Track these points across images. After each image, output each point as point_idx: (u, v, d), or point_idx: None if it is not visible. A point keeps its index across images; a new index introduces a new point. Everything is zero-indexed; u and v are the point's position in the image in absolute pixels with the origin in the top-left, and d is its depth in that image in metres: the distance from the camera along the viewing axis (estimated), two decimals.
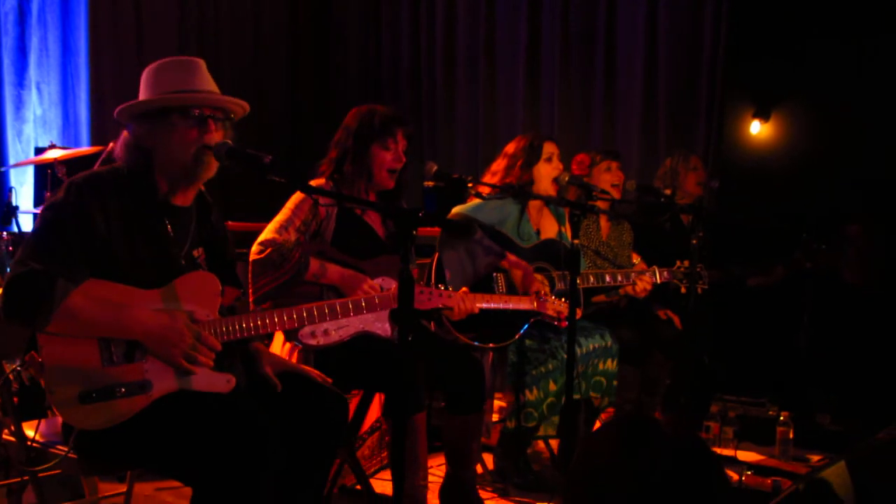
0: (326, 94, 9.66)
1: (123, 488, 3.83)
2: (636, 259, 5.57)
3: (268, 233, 4.01)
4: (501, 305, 4.35)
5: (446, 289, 3.90)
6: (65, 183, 3.02)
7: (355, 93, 9.36)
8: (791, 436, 5.57)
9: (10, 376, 3.14)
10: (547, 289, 4.70)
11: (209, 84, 3.17)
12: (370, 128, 4.14)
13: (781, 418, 5.62)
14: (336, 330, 3.93)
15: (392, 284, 4.09)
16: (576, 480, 1.64)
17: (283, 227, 4.01)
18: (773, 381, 6.64)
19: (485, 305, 4.21)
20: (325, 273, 3.96)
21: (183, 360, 2.96)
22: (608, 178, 5.37)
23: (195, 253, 3.22)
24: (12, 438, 3.22)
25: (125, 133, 3.16)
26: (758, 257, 5.91)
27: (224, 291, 3.18)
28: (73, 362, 2.86)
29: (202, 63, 3.20)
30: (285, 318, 3.30)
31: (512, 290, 4.68)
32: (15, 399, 3.26)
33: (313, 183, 4.11)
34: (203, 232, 3.28)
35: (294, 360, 4.06)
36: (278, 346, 4.15)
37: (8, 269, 2.88)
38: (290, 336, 3.92)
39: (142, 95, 3.16)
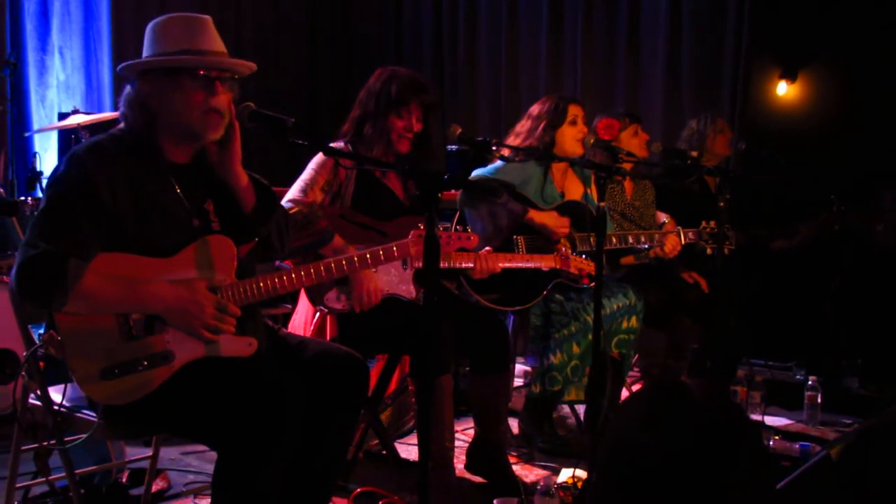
0: (347, 57, 9.60)
1: (149, 452, 3.84)
2: (666, 217, 5.52)
3: (293, 192, 4.01)
4: (523, 264, 4.33)
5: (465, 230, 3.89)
6: (65, 156, 2.97)
7: (376, 55, 9.30)
8: (819, 400, 5.53)
9: (37, 342, 3.13)
10: (569, 250, 4.67)
11: (217, 43, 3.09)
12: (388, 95, 4.16)
13: (809, 383, 5.58)
14: None
15: None
16: (607, 450, 1.62)
17: (308, 187, 4.02)
18: (801, 346, 6.60)
19: (507, 265, 4.19)
20: (344, 251, 3.93)
21: (205, 332, 2.94)
22: (636, 142, 5.31)
23: (207, 206, 3.15)
24: (39, 403, 3.22)
25: (128, 89, 3.10)
26: (784, 220, 5.85)
27: (239, 251, 3.14)
28: (92, 339, 2.85)
29: (209, 20, 3.12)
30: (303, 274, 3.27)
31: (533, 252, 4.65)
32: (41, 364, 3.25)
33: (333, 146, 4.10)
34: (211, 183, 3.18)
35: (317, 325, 4.05)
36: (302, 313, 4.14)
37: (18, 252, 2.83)
38: (315, 301, 3.90)
39: (147, 51, 3.10)
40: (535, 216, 4.70)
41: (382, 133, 4.16)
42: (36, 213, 2.93)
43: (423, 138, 4.25)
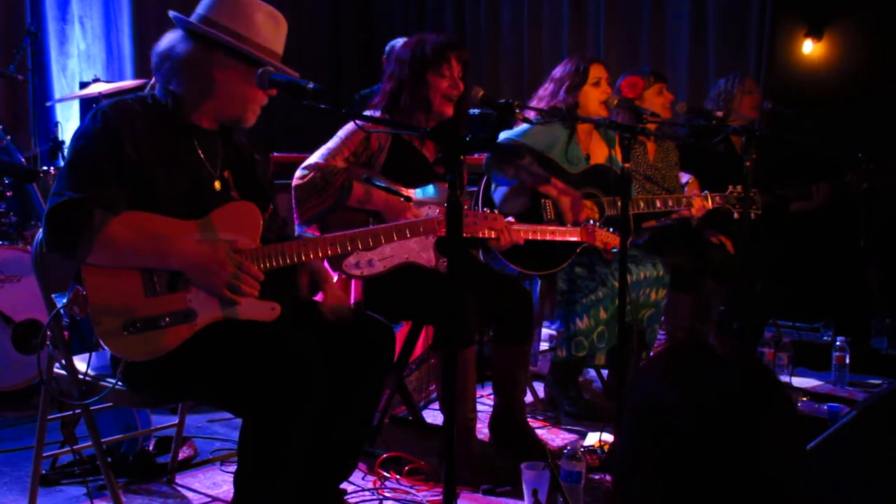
0: (370, 23, 9.56)
1: (175, 420, 3.86)
2: (689, 178, 5.48)
3: (313, 157, 3.98)
4: (548, 237, 4.30)
5: (492, 212, 3.86)
6: (90, 112, 3.00)
7: (399, 19, 9.26)
8: (847, 361, 5.49)
9: (60, 311, 3.13)
10: (596, 216, 4.64)
11: (278, 45, 3.14)
12: (423, 56, 4.08)
13: (837, 343, 5.54)
14: (380, 260, 3.91)
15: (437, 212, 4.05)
16: (634, 410, 1.59)
17: (330, 155, 3.98)
18: (829, 306, 6.55)
19: (531, 237, 4.16)
20: (369, 198, 3.93)
21: (226, 290, 2.94)
22: (660, 101, 5.23)
23: (225, 174, 3.19)
24: (64, 372, 3.23)
25: (179, 45, 3.07)
26: (810, 180, 5.80)
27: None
28: (116, 293, 2.86)
29: (285, 24, 3.17)
30: (327, 242, 3.26)
31: (560, 217, 4.62)
32: (65, 333, 3.26)
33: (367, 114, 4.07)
34: (228, 152, 3.24)
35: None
36: None
37: (48, 202, 2.86)
38: (334, 266, 3.90)
39: (213, 12, 3.07)
40: (554, 193, 4.63)
41: (421, 99, 4.08)
42: (62, 166, 2.97)
43: (459, 99, 4.18)
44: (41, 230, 2.87)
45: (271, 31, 3.11)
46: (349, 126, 4.05)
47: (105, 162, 2.87)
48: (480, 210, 3.89)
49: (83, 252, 2.81)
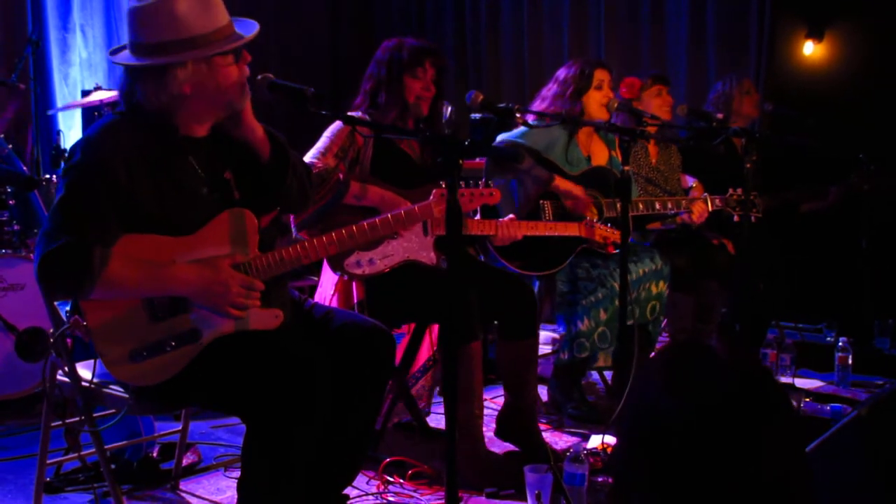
0: (370, 27, 9.56)
1: (179, 426, 3.87)
2: (693, 182, 5.48)
3: (306, 159, 3.99)
4: (547, 232, 4.32)
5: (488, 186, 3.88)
6: (78, 142, 2.90)
7: (398, 24, 9.26)
8: (850, 362, 5.49)
9: (64, 320, 3.14)
10: (595, 217, 4.65)
11: (223, 13, 2.94)
12: (399, 59, 4.19)
13: (840, 344, 5.54)
14: (381, 259, 3.94)
15: None
16: (630, 412, 1.60)
17: (321, 154, 4.03)
18: (832, 307, 6.55)
19: (528, 232, 4.19)
20: (365, 194, 3.96)
21: (232, 310, 2.92)
22: (658, 102, 5.25)
23: (226, 175, 3.09)
24: (67, 380, 3.23)
25: (139, 86, 2.92)
26: (813, 181, 5.80)
27: (261, 221, 3.10)
28: (119, 323, 2.85)
29: None
30: (326, 242, 3.25)
31: (559, 218, 4.63)
32: (69, 340, 3.27)
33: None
34: (228, 153, 3.10)
35: (341, 290, 4.06)
36: (327, 281, 4.14)
37: (38, 242, 2.77)
38: (335, 267, 3.91)
39: (147, 34, 2.86)
40: (563, 185, 4.66)
41: (398, 97, 4.17)
42: (54, 203, 2.83)
43: (433, 102, 4.26)
44: (35, 270, 2.76)
45: (201, 12, 2.87)
46: (335, 124, 4.12)
47: (99, 197, 2.79)
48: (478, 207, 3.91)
49: (84, 294, 2.78)
